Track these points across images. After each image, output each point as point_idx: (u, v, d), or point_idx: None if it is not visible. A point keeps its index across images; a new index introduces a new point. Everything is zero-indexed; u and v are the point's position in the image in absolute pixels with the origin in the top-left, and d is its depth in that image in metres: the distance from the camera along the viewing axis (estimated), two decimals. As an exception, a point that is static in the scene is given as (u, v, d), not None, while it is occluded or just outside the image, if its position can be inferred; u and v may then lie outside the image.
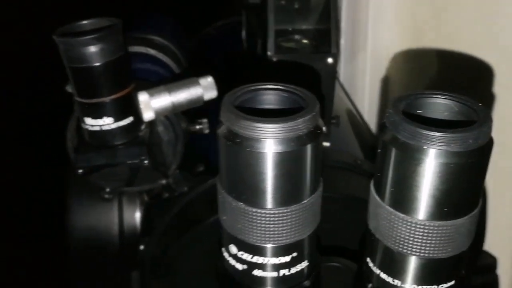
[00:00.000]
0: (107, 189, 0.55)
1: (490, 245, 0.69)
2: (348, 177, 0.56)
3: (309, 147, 0.31)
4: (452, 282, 0.33)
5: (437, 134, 0.29)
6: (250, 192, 0.31)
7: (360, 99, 0.87)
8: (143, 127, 0.50)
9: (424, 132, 0.29)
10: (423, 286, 0.33)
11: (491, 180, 0.68)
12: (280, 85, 0.33)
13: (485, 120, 0.30)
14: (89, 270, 0.67)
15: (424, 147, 0.29)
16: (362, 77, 0.86)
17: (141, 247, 0.62)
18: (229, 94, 0.32)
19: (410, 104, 0.32)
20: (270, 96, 0.33)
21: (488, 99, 0.65)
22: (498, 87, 0.65)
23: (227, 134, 0.31)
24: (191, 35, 0.92)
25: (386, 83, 0.83)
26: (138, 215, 0.65)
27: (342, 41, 0.91)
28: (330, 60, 0.54)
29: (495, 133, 0.66)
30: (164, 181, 0.55)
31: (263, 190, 0.31)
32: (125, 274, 0.67)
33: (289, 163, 0.30)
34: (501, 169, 0.67)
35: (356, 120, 0.75)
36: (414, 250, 0.32)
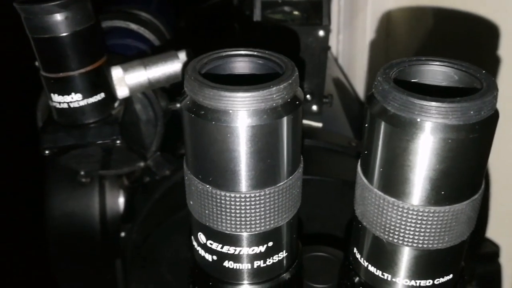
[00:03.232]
0: (82, 172, 0.51)
1: (493, 232, 0.65)
2: (340, 159, 0.52)
3: (285, 120, 0.27)
4: (450, 276, 0.29)
5: (433, 104, 0.24)
6: (218, 173, 0.27)
7: (359, 76, 0.83)
8: (116, 104, 0.46)
9: (418, 102, 0.25)
10: (417, 281, 0.29)
11: (494, 162, 0.64)
12: (254, 51, 0.29)
13: (489, 89, 0.26)
14: (70, 258, 0.64)
15: (418, 119, 0.25)
16: (361, 53, 0.82)
17: (122, 234, 0.59)
18: (194, 60, 0.28)
19: (403, 71, 0.28)
20: (243, 63, 0.29)
21: (494, 63, 0.59)
22: (504, 50, 0.59)
23: (191, 106, 0.27)
24: (183, 10, 0.88)
25: (386, 57, 0.78)
26: (121, 201, 0.62)
27: (341, 16, 0.87)
28: (321, 32, 0.49)
29: (502, 116, 0.61)
30: (142, 164, 0.51)
31: (233, 170, 0.27)
32: (109, 261, 0.64)
33: (262, 138, 0.26)
34: (504, 152, 0.63)
35: (352, 100, 0.71)
36: (406, 239, 0.28)
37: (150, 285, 0.52)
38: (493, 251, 0.68)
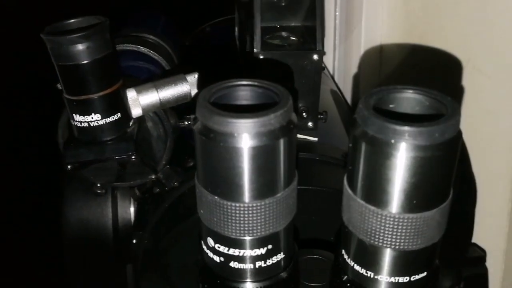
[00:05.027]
0: (98, 184, 0.56)
1: (479, 238, 0.70)
2: (334, 170, 0.57)
3: (281, 142, 0.31)
4: (424, 274, 0.34)
5: (404, 128, 0.29)
6: (225, 186, 0.32)
7: (353, 93, 0.88)
8: (131, 123, 0.51)
9: (392, 126, 0.29)
10: (396, 277, 0.34)
11: (479, 173, 0.69)
12: (255, 81, 0.34)
13: (453, 114, 0.30)
14: (84, 264, 0.68)
15: (392, 141, 0.30)
16: (355, 70, 0.87)
17: (134, 241, 0.63)
18: (204, 90, 0.33)
19: (382, 99, 0.33)
20: (245, 92, 0.34)
21: (478, 94, 0.65)
22: (489, 82, 0.65)
23: (202, 130, 0.31)
24: (186, 32, 0.93)
25: (378, 77, 0.83)
26: (132, 210, 0.66)
27: (337, 37, 0.92)
28: (315, 56, 0.54)
29: (484, 128, 0.66)
30: (153, 176, 0.56)
31: (237, 184, 0.32)
32: (120, 267, 0.68)
33: (262, 157, 0.31)
34: (489, 162, 0.68)
35: (347, 115, 0.76)
36: (385, 242, 0.32)
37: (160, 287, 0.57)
38: (480, 256, 0.72)
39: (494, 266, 0.72)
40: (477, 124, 0.66)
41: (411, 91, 0.33)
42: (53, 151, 0.60)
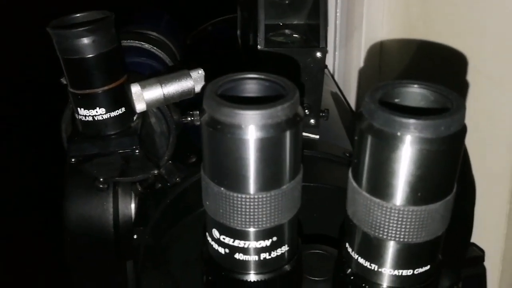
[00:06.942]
0: (101, 179, 0.56)
1: (478, 238, 0.70)
2: (335, 168, 0.57)
3: (288, 134, 0.32)
4: (428, 267, 0.34)
5: (410, 121, 0.30)
6: (231, 178, 0.32)
7: (353, 91, 0.89)
8: (135, 118, 0.51)
9: (398, 119, 0.30)
10: (399, 270, 0.34)
11: (478, 174, 0.70)
12: (261, 74, 0.34)
13: (458, 108, 0.31)
14: (85, 259, 0.68)
15: (398, 133, 0.30)
16: (356, 70, 0.88)
17: (135, 236, 0.63)
18: (212, 83, 0.33)
19: (387, 93, 0.33)
20: (252, 85, 0.34)
21: (477, 95, 0.66)
22: (488, 83, 0.66)
23: (209, 121, 0.32)
24: (189, 30, 0.93)
25: (378, 75, 0.84)
26: (132, 206, 0.67)
27: (337, 37, 0.93)
28: (318, 54, 0.55)
29: (484, 129, 0.67)
30: (156, 172, 0.56)
31: (244, 175, 0.32)
32: (121, 263, 0.69)
33: (268, 149, 0.31)
34: (488, 162, 0.68)
35: (347, 114, 0.76)
36: (390, 234, 0.33)
37: (161, 283, 0.57)
38: (478, 256, 0.73)
39: (492, 266, 0.72)
40: (476, 124, 0.66)
41: (416, 85, 0.33)
42: (55, 146, 0.61)
